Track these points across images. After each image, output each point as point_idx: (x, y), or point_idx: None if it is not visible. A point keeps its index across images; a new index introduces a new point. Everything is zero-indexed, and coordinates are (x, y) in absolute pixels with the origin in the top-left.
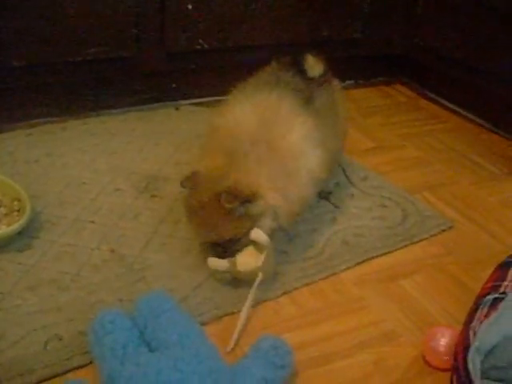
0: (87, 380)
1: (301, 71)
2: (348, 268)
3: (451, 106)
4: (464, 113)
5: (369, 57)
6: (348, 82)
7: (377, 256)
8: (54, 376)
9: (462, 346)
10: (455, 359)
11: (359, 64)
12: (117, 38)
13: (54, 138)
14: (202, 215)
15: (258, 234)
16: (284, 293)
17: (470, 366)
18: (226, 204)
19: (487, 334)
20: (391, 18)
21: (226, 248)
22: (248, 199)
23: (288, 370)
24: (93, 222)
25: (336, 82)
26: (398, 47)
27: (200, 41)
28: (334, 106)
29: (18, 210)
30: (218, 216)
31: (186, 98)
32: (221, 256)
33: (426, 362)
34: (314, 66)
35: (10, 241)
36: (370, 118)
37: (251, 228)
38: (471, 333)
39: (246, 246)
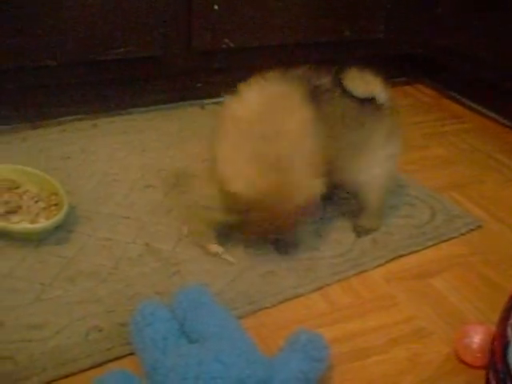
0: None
1: (338, 83)
2: (378, 265)
3: (474, 105)
4: (487, 112)
5: (390, 57)
6: None
7: (406, 254)
8: (96, 366)
9: (500, 343)
10: (492, 356)
11: (381, 64)
12: (144, 37)
13: (86, 135)
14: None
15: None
16: (315, 289)
17: (511, 362)
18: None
19: None
20: (413, 18)
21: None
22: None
23: (325, 364)
24: (127, 217)
25: (387, 112)
26: (419, 47)
27: (226, 40)
28: (364, 131)
29: (56, 205)
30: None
31: (211, 97)
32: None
33: (459, 359)
34: (358, 84)
35: (49, 234)
36: None
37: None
38: (509, 329)
39: None
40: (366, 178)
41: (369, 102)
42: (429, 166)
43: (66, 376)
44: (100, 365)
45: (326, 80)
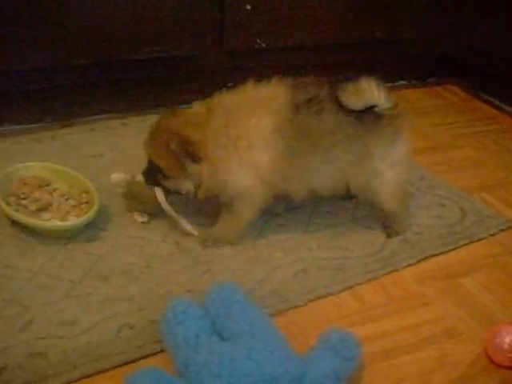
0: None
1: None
2: (409, 265)
3: (504, 106)
4: None
5: (421, 57)
6: (401, 82)
7: (437, 254)
8: (128, 363)
9: None
10: None
11: (412, 64)
12: (177, 37)
13: (116, 133)
14: (155, 136)
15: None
16: (346, 288)
17: None
18: (172, 145)
19: None
20: (444, 19)
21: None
22: (191, 156)
23: (356, 363)
24: (157, 215)
25: (386, 121)
26: (450, 47)
27: (257, 40)
28: (360, 143)
29: (87, 202)
30: (163, 147)
31: None
32: (145, 176)
33: (490, 359)
34: (353, 98)
35: (79, 232)
36: (424, 118)
37: (176, 176)
38: None
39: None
40: (372, 187)
41: (366, 113)
42: (459, 166)
43: (98, 373)
44: (131, 362)
45: (321, 93)
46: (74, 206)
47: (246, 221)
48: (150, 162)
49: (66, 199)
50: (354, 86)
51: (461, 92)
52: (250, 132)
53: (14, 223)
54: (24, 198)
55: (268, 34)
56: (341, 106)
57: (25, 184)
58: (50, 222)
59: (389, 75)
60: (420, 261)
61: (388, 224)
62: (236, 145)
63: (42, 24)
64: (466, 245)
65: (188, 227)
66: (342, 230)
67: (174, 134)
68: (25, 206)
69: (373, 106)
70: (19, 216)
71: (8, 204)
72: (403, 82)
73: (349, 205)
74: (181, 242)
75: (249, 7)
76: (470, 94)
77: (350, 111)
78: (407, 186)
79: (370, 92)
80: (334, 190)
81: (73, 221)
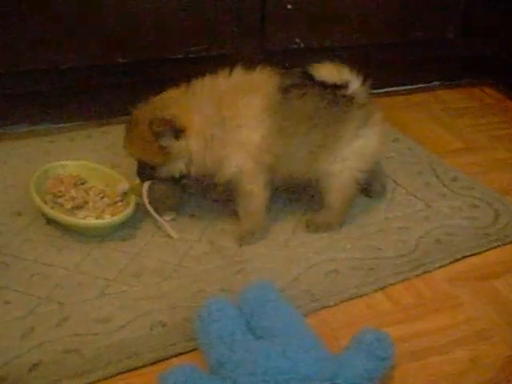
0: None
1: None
2: (441, 266)
3: None
4: None
5: (456, 58)
6: (435, 82)
7: (469, 255)
8: (160, 360)
9: None
10: None
11: (446, 65)
12: (217, 36)
13: None
14: (130, 132)
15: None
16: (378, 288)
17: None
18: (155, 127)
19: None
20: (482, 19)
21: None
22: (175, 131)
23: (389, 363)
24: (193, 215)
25: (357, 105)
26: (488, 48)
27: (297, 40)
28: (332, 126)
29: (122, 201)
30: (143, 137)
31: None
32: (139, 175)
33: None
34: (328, 71)
35: (114, 230)
36: (459, 119)
37: (164, 163)
38: None
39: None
40: (329, 172)
41: (339, 90)
42: (493, 168)
43: (131, 370)
44: (164, 360)
45: (304, 80)
46: (109, 205)
47: (259, 197)
48: (137, 161)
49: (102, 197)
50: (331, 64)
51: (496, 93)
52: (241, 111)
53: (50, 221)
54: (60, 196)
55: (307, 34)
56: (320, 93)
57: (61, 182)
58: (86, 220)
59: (423, 76)
60: (452, 262)
61: (313, 219)
62: (228, 124)
63: (82, 23)
64: (498, 246)
65: (168, 229)
66: (374, 230)
67: (152, 118)
68: (61, 204)
69: (346, 87)
70: (55, 214)
71: (44, 202)
72: (438, 83)
73: (381, 205)
74: (215, 241)
75: (290, 6)
76: (505, 95)
77: (326, 96)
78: (356, 188)
79: (340, 68)
80: (304, 176)
81: (109, 219)
